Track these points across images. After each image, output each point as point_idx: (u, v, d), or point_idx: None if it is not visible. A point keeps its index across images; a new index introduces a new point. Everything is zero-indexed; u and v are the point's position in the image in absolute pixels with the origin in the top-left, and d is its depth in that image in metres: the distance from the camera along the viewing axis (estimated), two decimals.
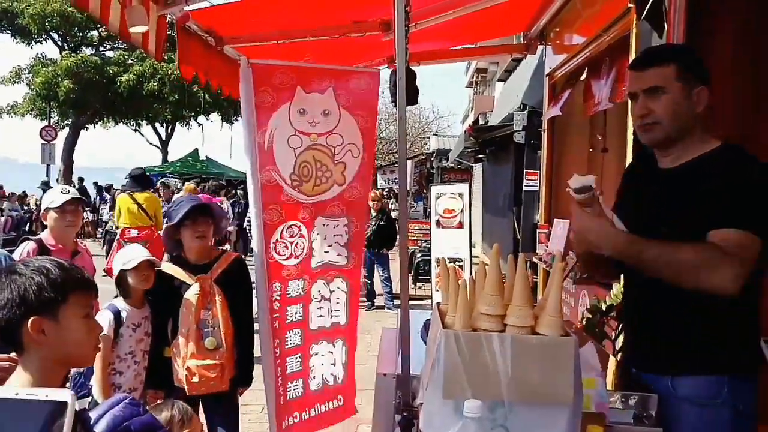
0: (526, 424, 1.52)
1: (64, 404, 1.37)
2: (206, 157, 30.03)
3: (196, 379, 3.50)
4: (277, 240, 3.68)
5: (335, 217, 3.80)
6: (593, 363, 1.87)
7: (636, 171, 2.49)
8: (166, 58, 4.03)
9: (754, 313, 2.15)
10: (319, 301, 3.88)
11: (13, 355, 2.42)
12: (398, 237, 2.73)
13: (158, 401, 3.66)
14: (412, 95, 2.17)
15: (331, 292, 3.91)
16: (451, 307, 1.65)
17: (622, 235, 2.07)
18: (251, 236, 5.51)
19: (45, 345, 1.74)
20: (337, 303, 3.95)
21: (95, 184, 24.47)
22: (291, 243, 3.72)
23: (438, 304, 1.80)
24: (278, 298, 3.74)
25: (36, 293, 1.71)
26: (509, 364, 1.49)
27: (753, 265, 1.96)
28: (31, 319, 1.70)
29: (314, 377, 3.94)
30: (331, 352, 3.98)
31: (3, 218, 10.44)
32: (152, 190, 11.01)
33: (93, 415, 2.08)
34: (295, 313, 3.83)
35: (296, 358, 3.86)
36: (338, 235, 3.84)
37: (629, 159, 3.99)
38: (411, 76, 2.06)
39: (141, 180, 9.87)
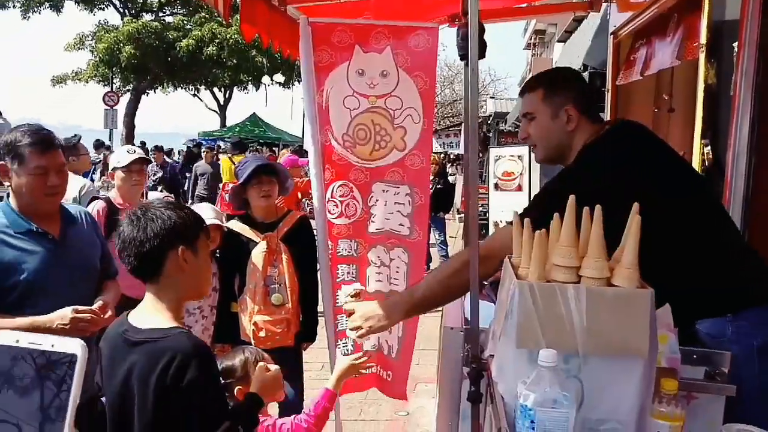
0: (600, 375, 1.52)
1: (73, 357, 1.29)
2: (263, 122, 30.31)
3: (262, 333, 3.60)
4: (328, 199, 3.69)
5: (396, 183, 3.67)
6: (666, 320, 1.84)
7: None
8: (230, 21, 4.05)
9: (729, 256, 2.20)
10: (378, 267, 3.79)
11: (95, 307, 2.56)
12: (467, 190, 2.70)
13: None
14: (482, 49, 2.15)
15: (391, 260, 3.79)
16: (525, 260, 1.65)
17: (394, 299, 2.50)
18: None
19: (185, 274, 1.94)
20: (397, 272, 3.81)
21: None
22: (341, 202, 3.71)
23: (509, 257, 1.80)
24: (329, 256, 3.77)
25: (183, 226, 1.93)
26: (584, 315, 1.49)
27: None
28: (180, 248, 1.91)
29: (368, 337, 3.92)
30: None
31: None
32: (248, 152, 14.28)
33: None
34: (347, 273, 3.82)
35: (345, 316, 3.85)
36: (400, 203, 3.70)
37: (698, 120, 3.87)
38: (480, 29, 2.03)
39: (239, 145, 13.43)
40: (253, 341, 3.60)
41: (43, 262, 2.59)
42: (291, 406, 3.84)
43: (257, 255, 3.62)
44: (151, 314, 1.95)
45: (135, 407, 1.81)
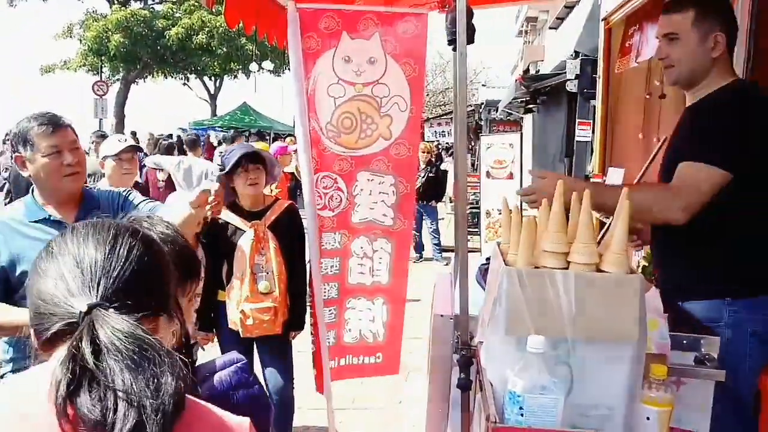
0: (589, 361, 1.51)
1: None
2: (254, 110, 30.18)
3: (250, 321, 3.58)
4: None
5: (381, 173, 3.61)
6: (656, 305, 1.84)
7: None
8: (214, 10, 4.00)
9: (743, 242, 2.21)
10: (361, 258, 3.75)
11: None
12: (456, 181, 2.67)
13: (209, 343, 3.77)
14: (470, 34, 2.12)
15: (374, 251, 3.74)
16: (513, 246, 1.63)
17: (580, 182, 2.31)
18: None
19: None
20: (380, 263, 3.77)
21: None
22: (325, 194, 3.64)
23: (498, 243, 1.78)
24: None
25: None
26: (573, 301, 1.47)
27: (709, 194, 2.09)
28: None
29: (350, 330, 3.87)
30: (370, 309, 3.84)
31: None
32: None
33: (204, 371, 2.05)
34: (331, 266, 3.76)
35: (329, 310, 3.80)
36: (384, 193, 3.65)
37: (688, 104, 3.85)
38: (469, 13, 2.01)
39: (260, 134, 17.39)
40: (240, 329, 3.59)
41: None
42: (283, 394, 3.83)
43: (245, 243, 3.60)
44: None
45: None
